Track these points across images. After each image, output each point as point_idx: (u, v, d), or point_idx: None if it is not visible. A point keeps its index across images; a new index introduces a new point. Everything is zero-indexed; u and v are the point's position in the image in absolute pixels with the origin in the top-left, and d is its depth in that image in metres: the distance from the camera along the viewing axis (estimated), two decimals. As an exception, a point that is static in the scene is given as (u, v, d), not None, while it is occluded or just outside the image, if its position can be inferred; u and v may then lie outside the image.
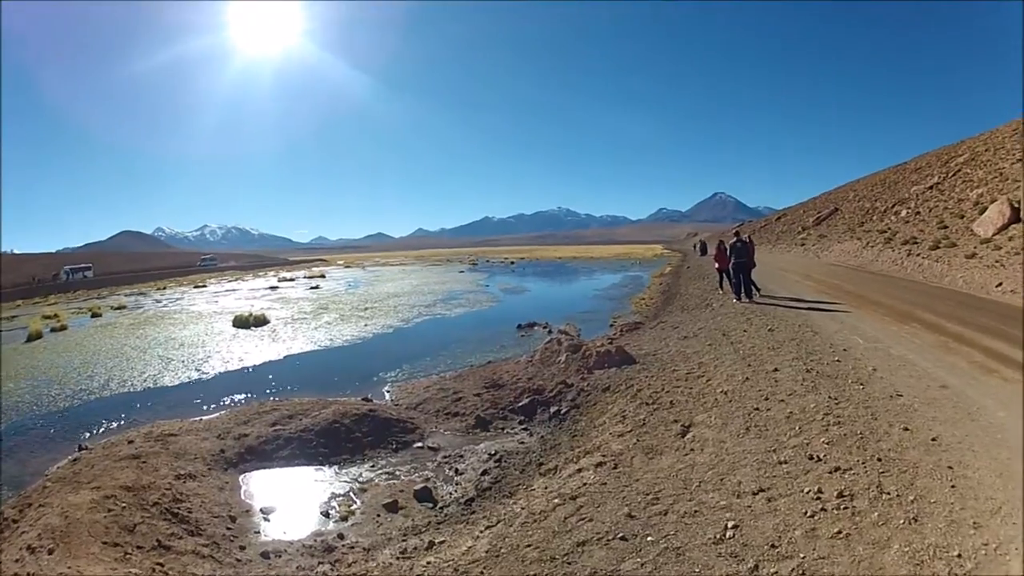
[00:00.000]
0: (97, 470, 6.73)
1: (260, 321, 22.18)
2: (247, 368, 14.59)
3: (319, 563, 5.19)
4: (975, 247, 16.80)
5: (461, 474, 7.24)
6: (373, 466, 7.73)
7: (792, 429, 5.38)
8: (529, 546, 4.40)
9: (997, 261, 14.82)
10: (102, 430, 9.79)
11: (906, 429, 4.92)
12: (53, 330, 23.08)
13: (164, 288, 51.10)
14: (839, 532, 3.58)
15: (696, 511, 4.25)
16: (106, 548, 4.92)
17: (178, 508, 6.02)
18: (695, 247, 56.74)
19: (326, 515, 6.27)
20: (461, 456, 7.86)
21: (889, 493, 3.91)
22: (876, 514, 3.70)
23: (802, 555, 3.44)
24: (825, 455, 4.67)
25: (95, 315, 28.43)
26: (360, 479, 7.28)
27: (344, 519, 6.17)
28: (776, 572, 3.34)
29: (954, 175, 26.71)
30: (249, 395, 11.64)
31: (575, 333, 15.02)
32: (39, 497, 6.08)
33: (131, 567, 4.72)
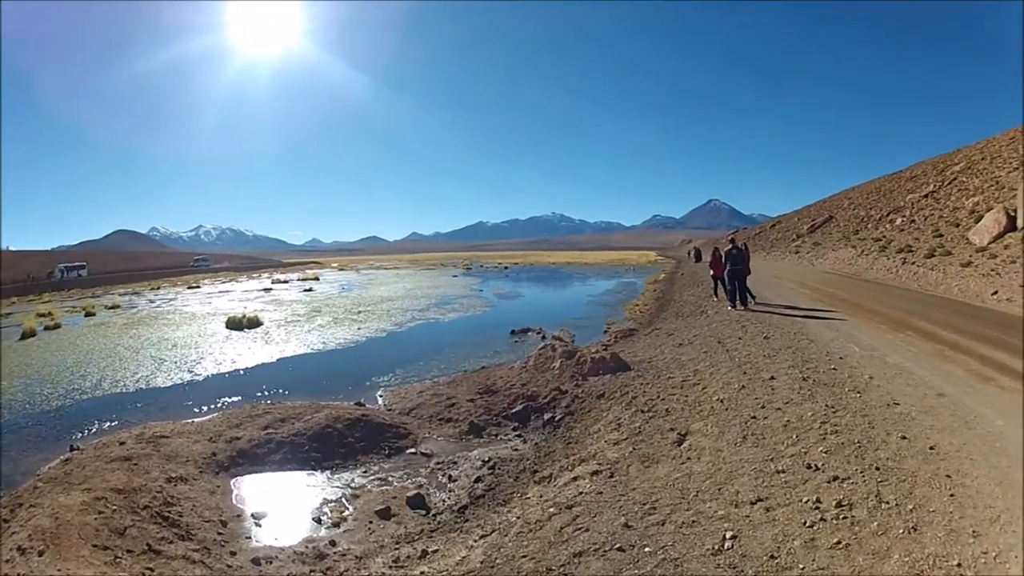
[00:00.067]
0: (88, 471, 6.67)
1: (253, 323, 22.04)
2: (240, 370, 14.47)
3: (311, 570, 5.12)
4: (970, 255, 16.89)
5: (454, 481, 7.17)
6: (366, 472, 7.64)
7: (790, 438, 5.35)
8: (525, 557, 4.33)
9: (992, 269, 14.90)
10: (94, 430, 9.70)
11: (904, 438, 4.91)
12: (47, 328, 22.97)
13: (158, 288, 50.88)
14: (839, 542, 3.55)
15: (694, 521, 4.20)
16: (96, 551, 4.87)
17: (169, 512, 5.94)
18: (689, 254, 56.94)
19: (318, 521, 6.19)
20: (454, 463, 7.79)
21: (888, 502, 3.89)
22: (875, 524, 3.67)
23: (801, 566, 3.40)
24: (823, 464, 4.64)
25: (89, 314, 28.30)
26: (352, 485, 7.20)
27: (336, 525, 6.08)
28: (775, 584, 3.31)
29: (950, 183, 26.89)
30: (241, 398, 11.53)
31: (569, 339, 14.97)
32: (30, 497, 6.03)
33: (121, 571, 4.67)
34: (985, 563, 3.13)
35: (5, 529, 5.33)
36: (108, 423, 10.06)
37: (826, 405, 6.01)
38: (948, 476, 4.12)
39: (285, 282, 54.21)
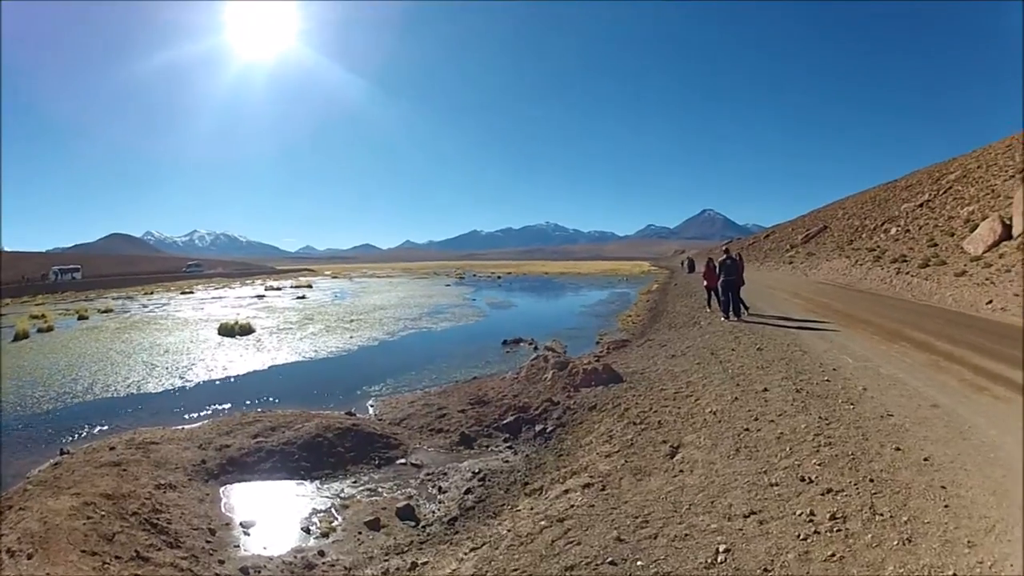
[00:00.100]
0: (78, 476, 6.63)
1: (245, 330, 21.92)
2: (231, 377, 14.35)
3: (299, 581, 5.05)
4: (965, 265, 16.97)
5: (444, 492, 7.09)
6: (355, 482, 7.56)
7: (783, 450, 5.32)
8: (516, 570, 4.27)
9: (987, 279, 14.96)
10: (84, 434, 9.62)
11: (898, 449, 4.89)
12: (40, 330, 22.91)
13: (151, 293, 50.67)
14: (833, 555, 3.51)
15: (687, 534, 4.15)
16: (84, 556, 4.83)
17: (158, 519, 5.88)
18: (683, 264, 57.07)
19: (307, 531, 6.11)
20: (444, 474, 7.71)
21: (882, 514, 3.86)
22: (870, 536, 3.64)
23: (795, 580, 3.36)
24: (817, 476, 4.61)
25: (82, 317, 28.18)
26: (342, 495, 7.12)
27: (325, 535, 6.00)
28: (769, 598, 3.26)
29: (945, 192, 27.05)
30: (232, 405, 11.42)
31: (561, 350, 14.91)
32: (19, 500, 5.96)
33: (109, 577, 4.60)
34: (980, 573, 3.12)
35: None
36: (99, 427, 9.97)
37: (820, 417, 5.98)
38: (943, 487, 4.10)
39: (278, 289, 54.01)
